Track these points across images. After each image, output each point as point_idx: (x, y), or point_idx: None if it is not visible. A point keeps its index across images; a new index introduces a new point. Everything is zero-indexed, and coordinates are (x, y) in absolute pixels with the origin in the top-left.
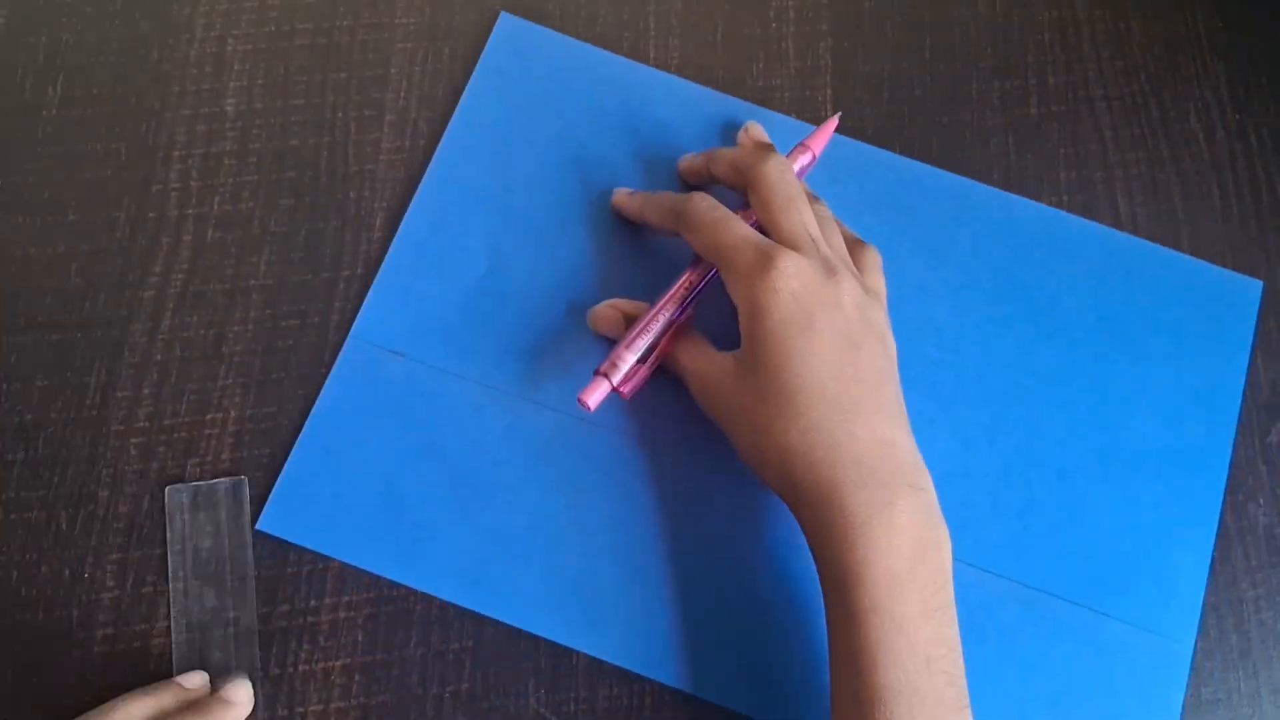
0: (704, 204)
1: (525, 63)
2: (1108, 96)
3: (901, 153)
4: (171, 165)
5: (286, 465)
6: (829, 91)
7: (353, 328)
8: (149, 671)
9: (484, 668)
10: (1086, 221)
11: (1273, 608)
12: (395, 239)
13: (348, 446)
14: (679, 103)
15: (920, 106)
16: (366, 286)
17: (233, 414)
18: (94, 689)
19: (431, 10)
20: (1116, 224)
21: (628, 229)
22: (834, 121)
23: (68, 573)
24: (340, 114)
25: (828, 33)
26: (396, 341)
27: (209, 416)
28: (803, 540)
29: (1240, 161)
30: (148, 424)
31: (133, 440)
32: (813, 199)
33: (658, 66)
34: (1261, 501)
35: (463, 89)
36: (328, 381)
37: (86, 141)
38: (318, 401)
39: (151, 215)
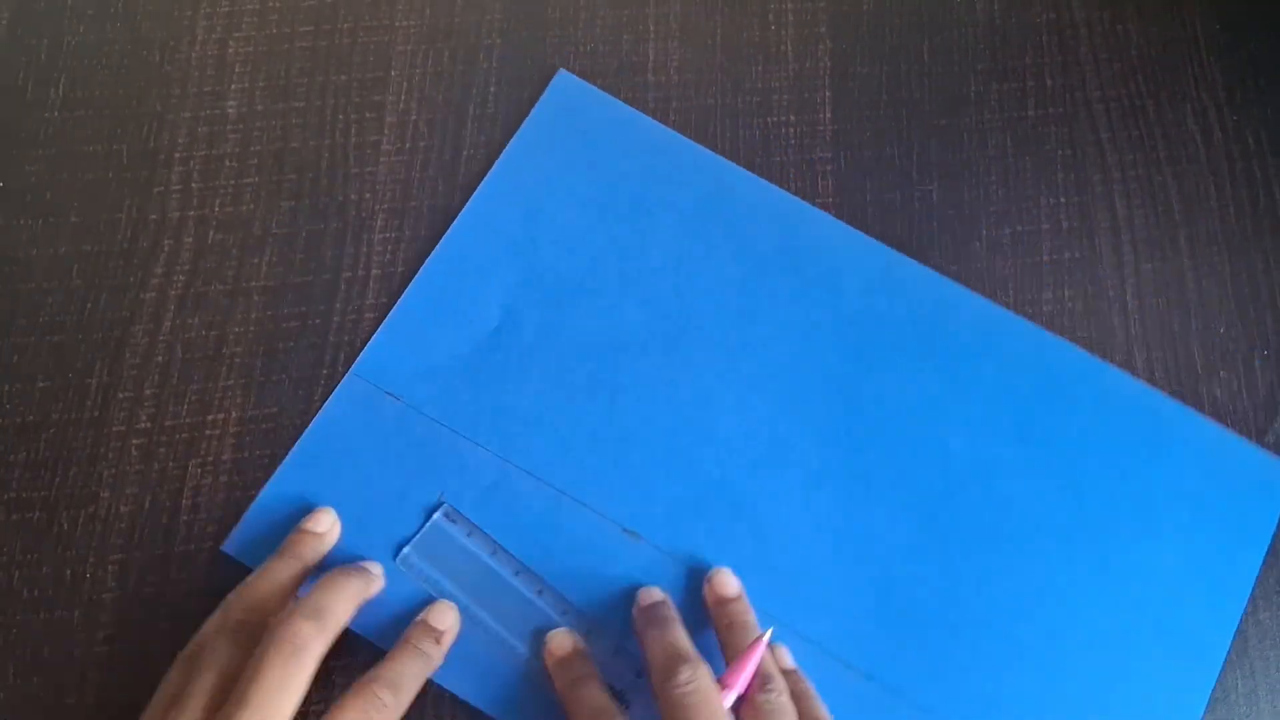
0: (691, 688)
1: (576, 122)
2: (1105, 99)
3: (901, 156)
4: (173, 167)
5: (261, 494)
6: (828, 94)
7: (355, 364)
8: (151, 672)
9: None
10: (1119, 372)
11: (1269, 608)
12: (415, 279)
13: (327, 481)
14: (719, 183)
15: (918, 109)
16: (367, 287)
17: (234, 415)
18: (95, 690)
19: (432, 12)
20: (1114, 227)
21: (644, 310)
22: (761, 644)
23: (69, 573)
24: (341, 116)
25: (826, 35)
26: (395, 384)
27: (210, 417)
28: None
29: (1238, 163)
30: (149, 425)
31: (134, 441)
32: (789, 673)
33: (656, 69)
34: None
35: (463, 89)
36: (319, 415)
37: (88, 143)
38: (305, 434)
39: (153, 217)
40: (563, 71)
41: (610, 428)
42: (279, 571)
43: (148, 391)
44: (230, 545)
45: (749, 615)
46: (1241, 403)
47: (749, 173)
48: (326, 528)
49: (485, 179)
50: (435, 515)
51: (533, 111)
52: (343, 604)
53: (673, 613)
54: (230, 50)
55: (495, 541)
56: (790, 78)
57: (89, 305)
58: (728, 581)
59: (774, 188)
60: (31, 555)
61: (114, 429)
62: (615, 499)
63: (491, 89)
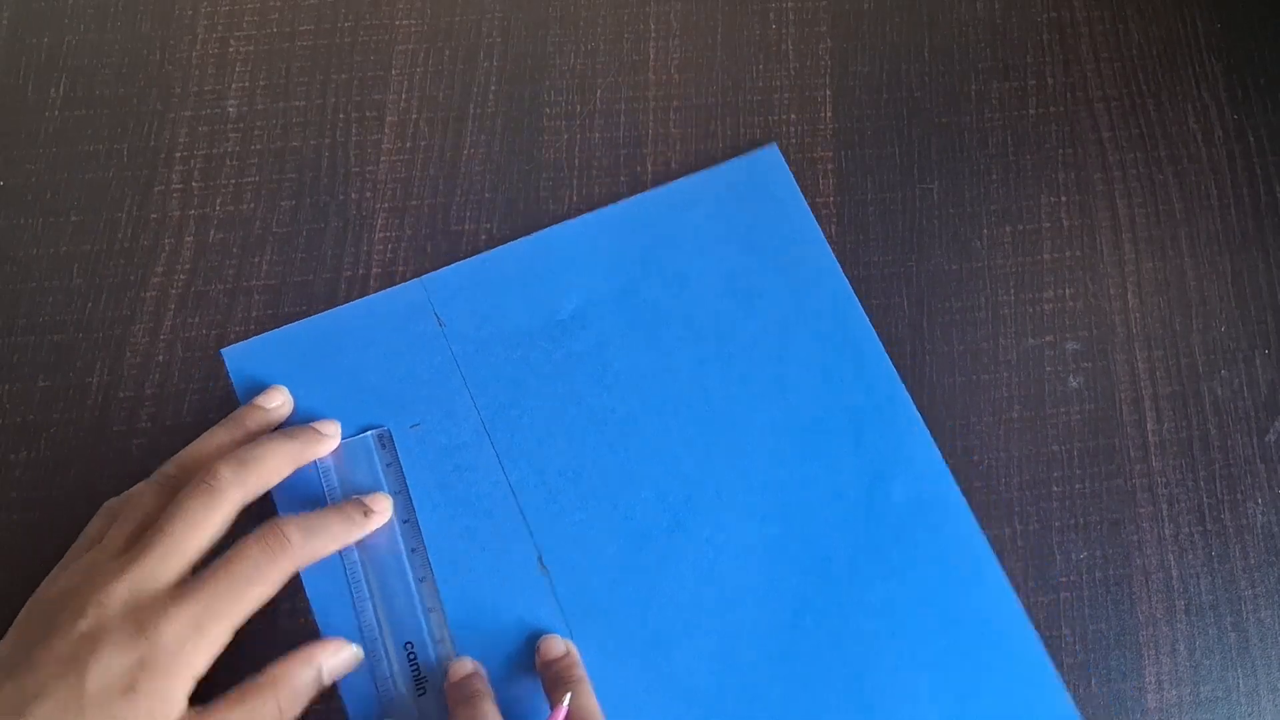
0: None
1: (756, 195)
2: (1106, 97)
3: (902, 154)
4: (173, 166)
5: (282, 330)
6: (828, 92)
7: (425, 275)
8: None
9: None
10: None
11: (1271, 606)
12: (529, 236)
13: (333, 352)
14: (845, 332)
15: (919, 107)
16: (367, 287)
17: None
18: None
19: (432, 11)
20: (1115, 226)
21: (694, 382)
22: (562, 706)
23: None
24: (341, 115)
25: (827, 34)
26: (446, 311)
27: (210, 417)
28: None
29: (1238, 162)
30: (149, 425)
31: (135, 441)
32: None
33: (657, 68)
34: (1260, 500)
35: (463, 89)
36: (370, 297)
37: (89, 142)
38: (349, 305)
39: (153, 216)
40: (775, 146)
41: (594, 465)
42: (218, 435)
43: (148, 391)
44: (230, 353)
45: (573, 671)
46: (1242, 401)
47: (878, 346)
48: (275, 405)
49: (649, 191)
50: (369, 433)
51: (728, 163)
52: (272, 459)
53: (484, 686)
54: (231, 49)
55: (407, 489)
56: (791, 76)
57: (89, 304)
58: (553, 645)
59: (885, 359)
60: (31, 555)
61: (114, 429)
62: (553, 529)
63: (492, 88)
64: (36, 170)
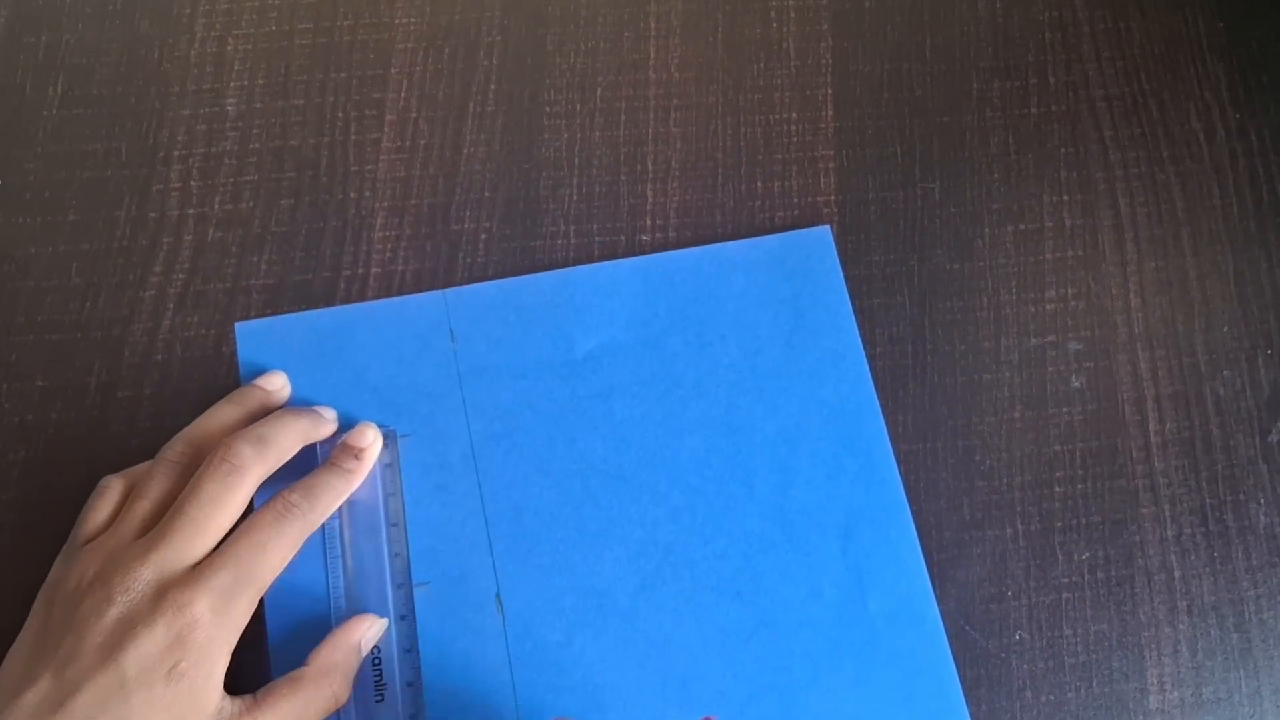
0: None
1: (798, 274)
2: (1108, 96)
3: (904, 153)
4: (172, 165)
5: (303, 314)
6: (829, 91)
7: (450, 289)
8: None
9: None
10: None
11: (1273, 607)
12: (568, 270)
13: (351, 346)
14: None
15: (920, 106)
16: (366, 286)
17: None
18: None
19: (432, 10)
20: (1117, 225)
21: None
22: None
23: None
24: (341, 114)
25: (828, 33)
26: (460, 327)
27: None
28: None
29: (1240, 161)
30: (149, 424)
31: (134, 441)
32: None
33: (657, 67)
34: (1262, 501)
35: (463, 87)
36: (398, 300)
37: (87, 141)
38: (380, 302)
39: (152, 215)
40: (828, 229)
41: (573, 512)
42: (223, 414)
43: (147, 391)
44: (244, 328)
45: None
46: (1245, 401)
47: (889, 452)
48: (276, 388)
49: (691, 249)
50: (395, 433)
51: (777, 235)
52: (287, 436)
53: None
54: (229, 48)
55: (401, 496)
56: (792, 75)
57: (88, 304)
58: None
59: (893, 466)
60: (32, 556)
61: (114, 428)
62: (517, 570)
63: (492, 87)
64: (35, 169)
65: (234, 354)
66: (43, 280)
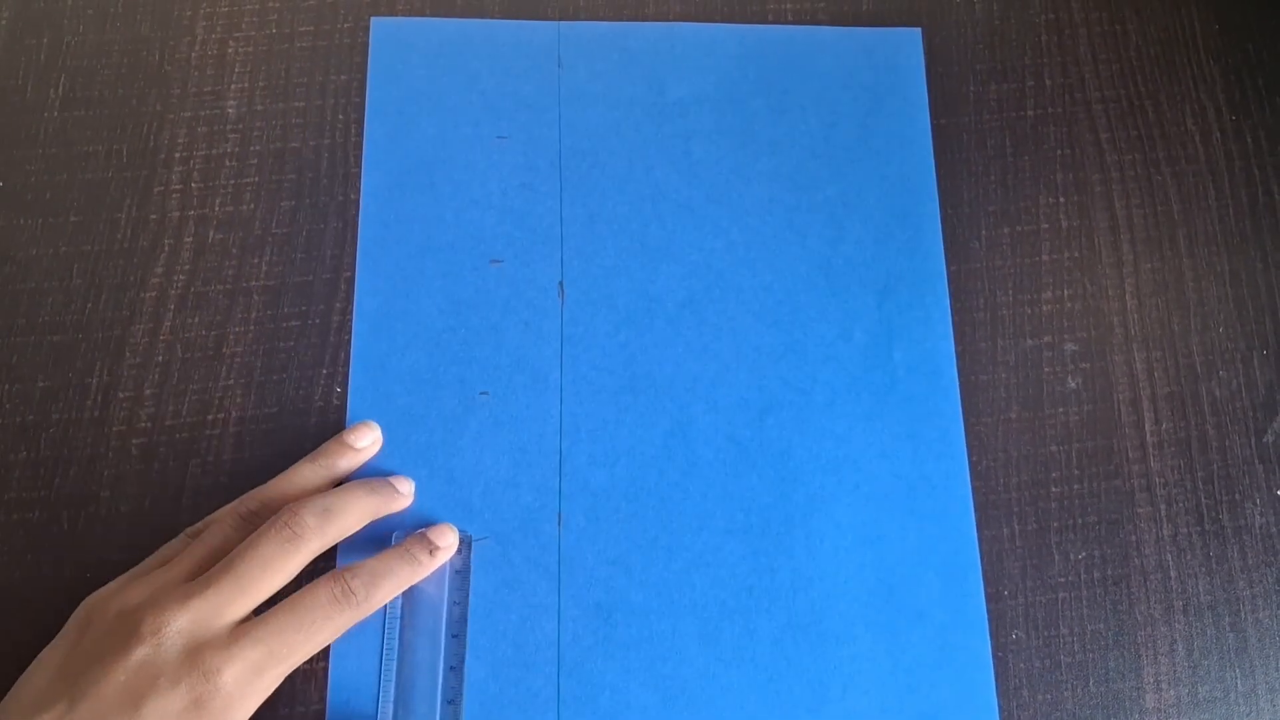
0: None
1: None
2: (1104, 99)
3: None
4: (173, 167)
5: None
6: None
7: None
8: None
9: None
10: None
11: (1269, 606)
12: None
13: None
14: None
15: None
16: None
17: (234, 415)
18: None
19: (432, 10)
20: (1113, 227)
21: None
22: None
23: (69, 574)
24: (341, 116)
25: None
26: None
27: (210, 417)
28: None
29: (1236, 163)
30: (149, 425)
31: (134, 441)
32: None
33: None
34: (1258, 501)
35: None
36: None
37: (88, 143)
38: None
39: (153, 217)
40: (919, 31)
41: (640, 227)
42: (305, 474)
43: (148, 391)
44: (380, 23)
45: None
46: (1241, 402)
47: (938, 229)
48: (365, 444)
49: (788, 25)
50: (471, 539)
51: (871, 29)
52: (354, 512)
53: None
54: (230, 50)
55: (467, 605)
56: None
57: (89, 305)
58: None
59: (939, 243)
60: (31, 556)
61: (114, 429)
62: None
63: None
64: (36, 171)
65: (233, 355)
66: (44, 281)
